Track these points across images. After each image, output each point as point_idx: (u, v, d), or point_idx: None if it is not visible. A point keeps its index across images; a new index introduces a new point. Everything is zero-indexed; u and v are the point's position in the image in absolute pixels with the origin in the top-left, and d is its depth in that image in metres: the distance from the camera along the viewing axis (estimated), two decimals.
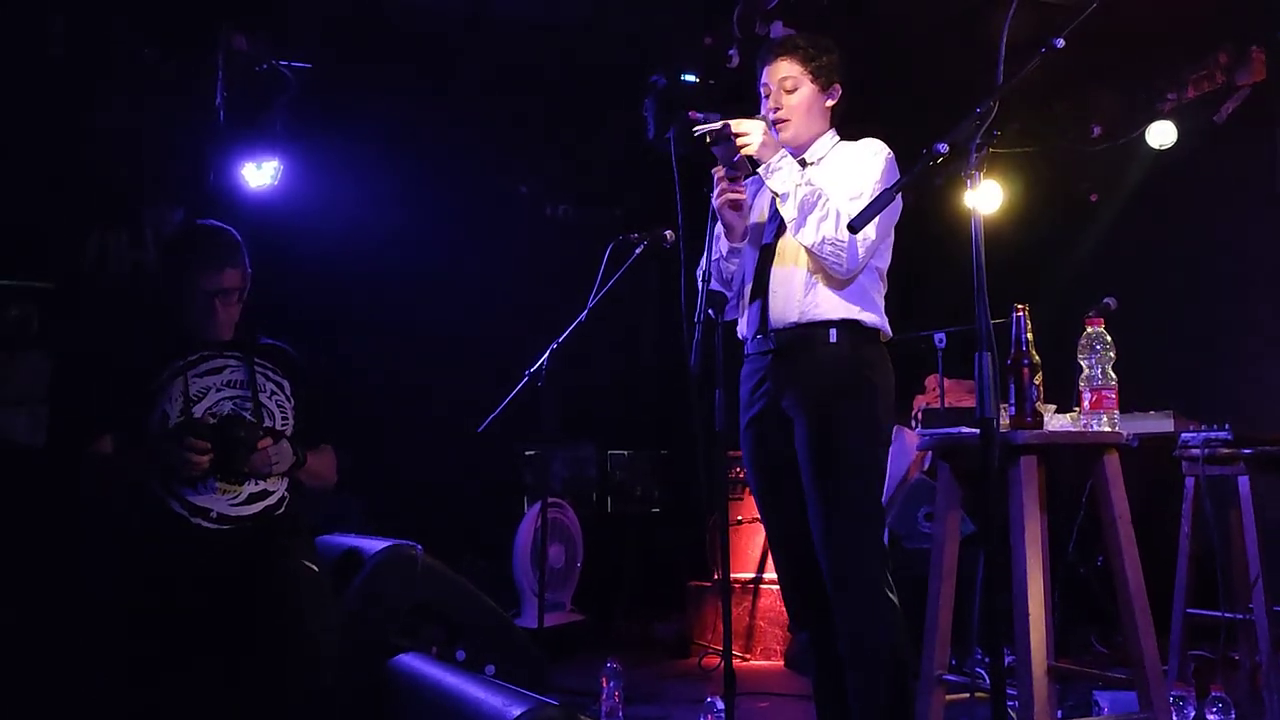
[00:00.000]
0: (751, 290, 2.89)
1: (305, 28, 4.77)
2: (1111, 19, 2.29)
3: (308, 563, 2.81)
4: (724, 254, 2.90)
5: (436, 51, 5.54)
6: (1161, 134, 5.49)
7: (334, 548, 3.65)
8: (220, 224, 2.96)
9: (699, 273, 2.91)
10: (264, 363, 2.94)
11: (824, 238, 2.67)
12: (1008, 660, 2.79)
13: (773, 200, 2.89)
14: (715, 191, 2.81)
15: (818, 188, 2.70)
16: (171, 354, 2.84)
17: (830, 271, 2.74)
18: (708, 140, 2.75)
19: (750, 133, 2.71)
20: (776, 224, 2.87)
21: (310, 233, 5.63)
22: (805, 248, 2.73)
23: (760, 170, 2.74)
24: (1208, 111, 5.32)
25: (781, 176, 2.71)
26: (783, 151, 2.75)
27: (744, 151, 2.72)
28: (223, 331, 2.89)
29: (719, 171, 2.79)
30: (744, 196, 2.84)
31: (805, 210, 2.68)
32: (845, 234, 2.65)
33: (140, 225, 5.11)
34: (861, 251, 2.71)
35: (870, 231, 2.69)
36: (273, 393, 2.92)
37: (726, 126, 2.71)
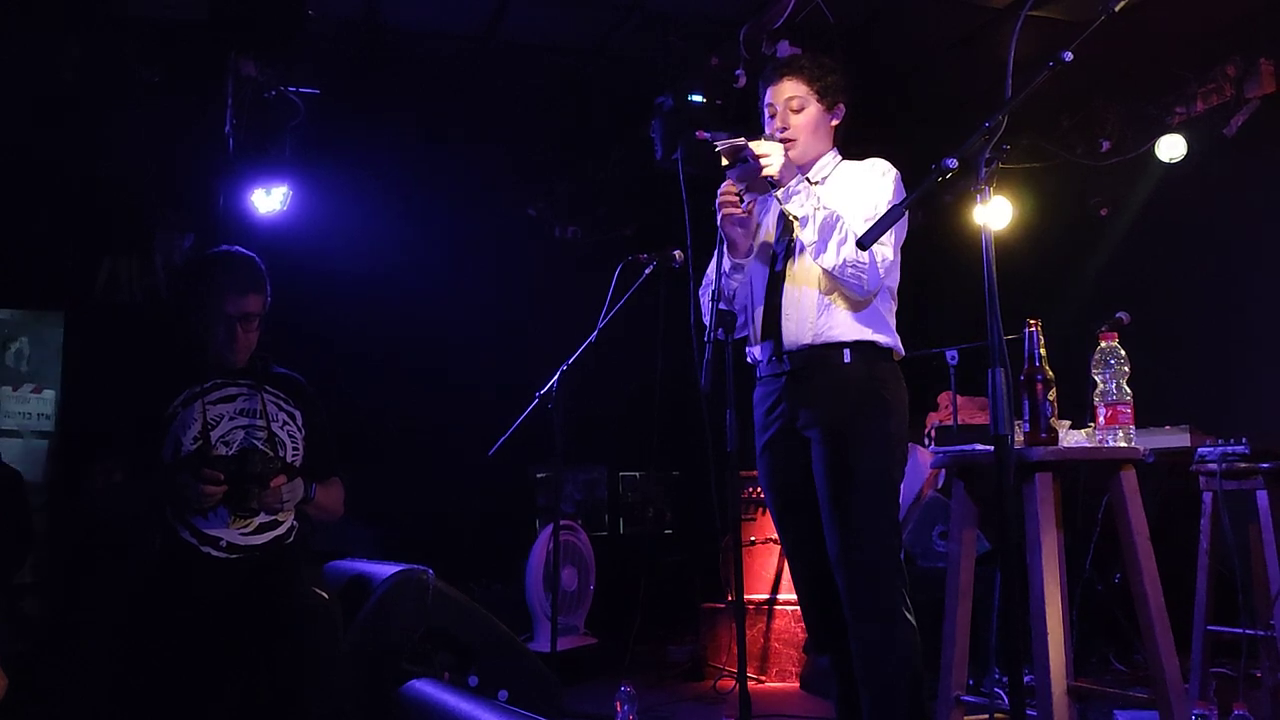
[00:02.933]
0: (763, 313, 2.88)
1: (313, 54, 4.80)
2: (1119, 33, 2.28)
3: (317, 590, 2.80)
4: (727, 270, 2.89)
5: (444, 75, 5.57)
6: (1171, 147, 5.47)
7: (344, 573, 3.63)
8: (245, 250, 2.97)
9: (702, 292, 2.91)
10: (276, 392, 2.93)
11: (845, 260, 2.66)
12: (1026, 680, 2.76)
13: (780, 221, 2.89)
14: (719, 216, 2.81)
15: (834, 210, 2.69)
16: (185, 381, 2.83)
17: (851, 293, 2.74)
18: (724, 163, 2.74)
19: (770, 154, 2.70)
20: (785, 245, 2.86)
21: (320, 257, 5.64)
22: (825, 270, 2.72)
23: (778, 193, 2.73)
24: (1217, 124, 5.31)
25: (800, 200, 2.70)
26: (800, 175, 2.74)
27: (764, 173, 2.71)
28: (240, 357, 2.88)
29: (725, 188, 2.78)
30: (749, 215, 2.84)
31: (825, 234, 2.67)
32: (865, 255, 2.65)
33: (151, 251, 5.14)
34: (881, 271, 2.71)
35: (888, 251, 2.72)
36: (284, 423, 2.90)
37: (747, 148, 2.70)
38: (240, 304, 2.84)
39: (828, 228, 2.67)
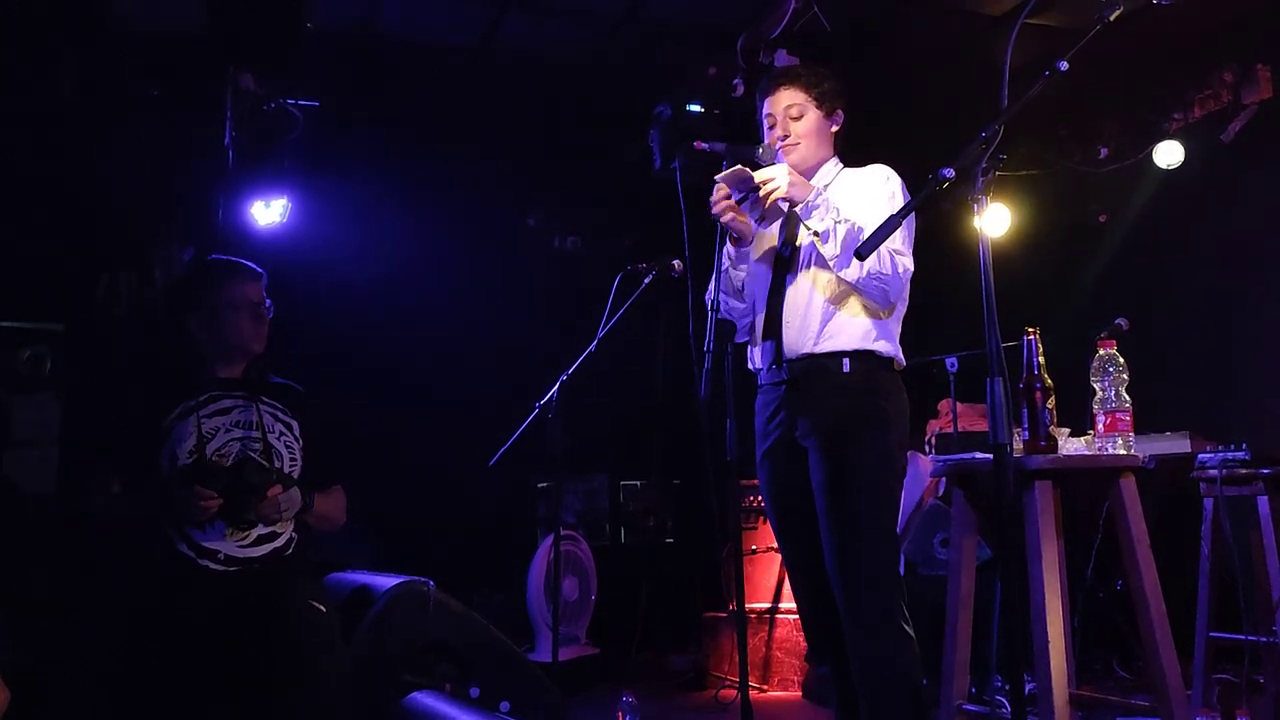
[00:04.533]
0: (764, 321, 2.88)
1: (312, 66, 4.81)
2: (1116, 40, 2.28)
3: (315, 603, 2.79)
4: (732, 261, 2.89)
5: (443, 87, 5.57)
6: (1169, 154, 5.49)
7: (345, 585, 3.63)
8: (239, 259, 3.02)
9: (707, 299, 2.91)
10: (272, 402, 2.93)
11: (869, 272, 2.65)
12: (1028, 688, 2.75)
13: (782, 229, 2.89)
14: (714, 209, 2.79)
15: (854, 222, 2.67)
16: (181, 394, 2.83)
17: (872, 303, 2.74)
18: (734, 197, 2.73)
19: (775, 178, 2.69)
20: (789, 253, 2.86)
21: (319, 269, 5.65)
22: (849, 282, 2.71)
23: (798, 210, 2.72)
24: (1215, 131, 5.32)
25: (819, 214, 2.69)
26: (815, 189, 2.73)
27: (773, 197, 2.69)
28: (253, 342, 2.89)
29: (718, 194, 2.78)
30: (745, 220, 2.84)
31: (849, 247, 2.65)
32: (889, 266, 2.65)
33: (150, 263, 5.14)
34: (904, 279, 2.72)
35: (908, 260, 2.72)
36: (281, 433, 2.90)
37: (750, 180, 2.69)
38: (240, 290, 2.89)
39: (850, 240, 2.64)
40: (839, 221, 2.66)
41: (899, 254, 2.70)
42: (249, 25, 4.17)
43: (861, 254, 2.28)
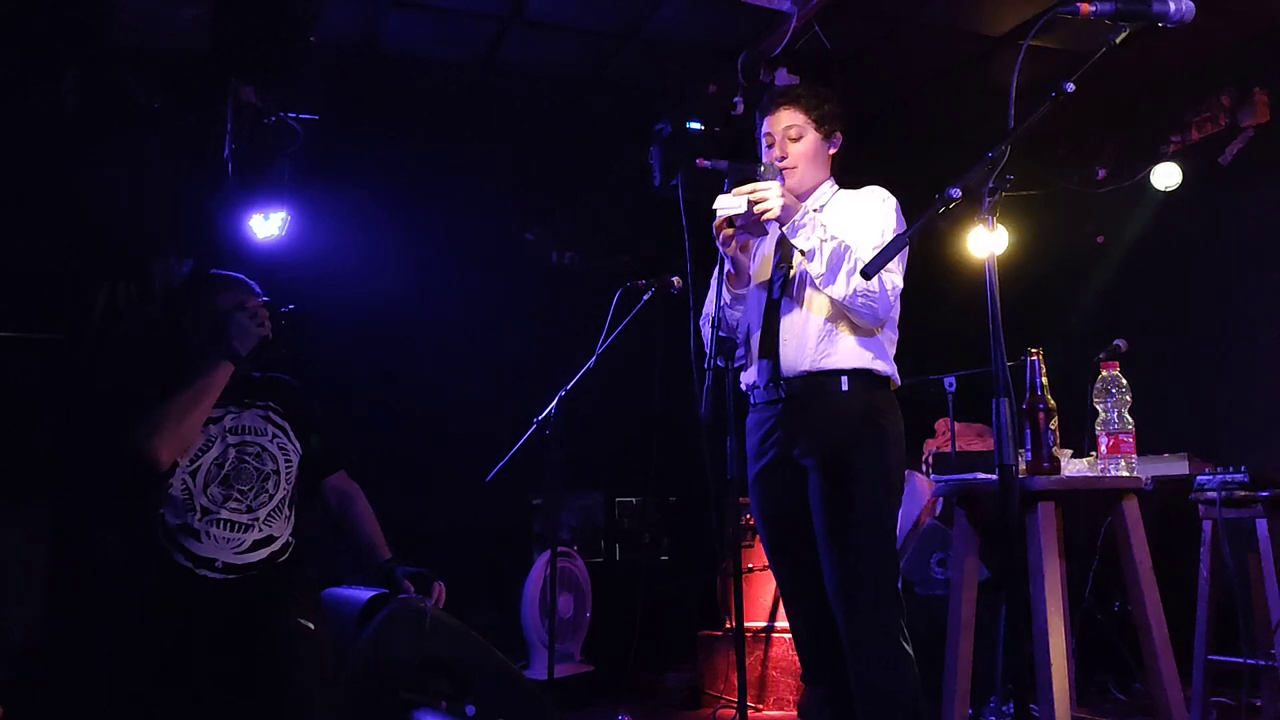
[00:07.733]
0: (760, 339, 2.87)
1: (313, 80, 4.81)
2: (1115, 62, 2.29)
3: (304, 620, 2.77)
4: (729, 301, 2.89)
5: (443, 101, 5.58)
6: (1166, 176, 5.51)
7: (340, 600, 3.60)
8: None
9: (703, 320, 2.90)
10: (263, 404, 2.92)
11: (855, 290, 2.65)
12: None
13: (777, 249, 2.89)
14: (720, 240, 2.80)
15: (842, 240, 2.68)
16: None
17: (862, 322, 2.73)
18: (732, 222, 2.74)
19: (768, 198, 2.69)
20: (783, 273, 2.86)
21: (317, 283, 5.63)
22: (836, 301, 2.71)
23: (784, 229, 2.73)
24: (1212, 153, 5.34)
25: (806, 233, 2.69)
26: (802, 208, 2.74)
27: (765, 217, 2.70)
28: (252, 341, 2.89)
29: (721, 224, 2.78)
30: (747, 257, 2.84)
31: (834, 265, 2.65)
32: (876, 284, 2.64)
33: (149, 277, 5.12)
34: (892, 298, 2.71)
35: (898, 278, 2.72)
36: (274, 435, 2.90)
37: (746, 201, 2.70)
38: (235, 297, 2.90)
39: (836, 258, 2.65)
40: (825, 240, 2.67)
41: (888, 272, 2.70)
42: (254, 41, 4.17)
43: (867, 273, 2.28)
